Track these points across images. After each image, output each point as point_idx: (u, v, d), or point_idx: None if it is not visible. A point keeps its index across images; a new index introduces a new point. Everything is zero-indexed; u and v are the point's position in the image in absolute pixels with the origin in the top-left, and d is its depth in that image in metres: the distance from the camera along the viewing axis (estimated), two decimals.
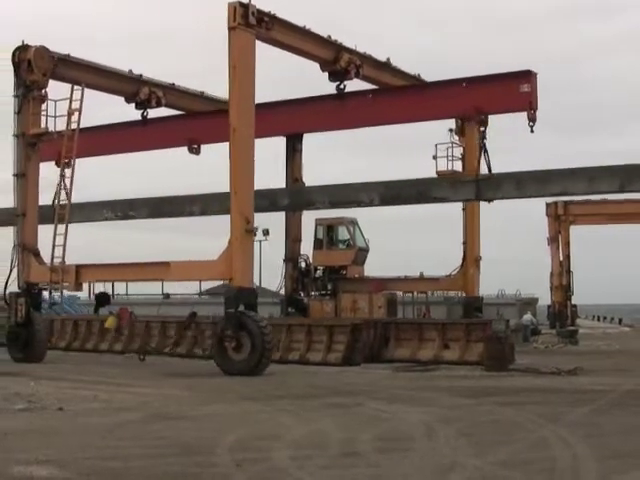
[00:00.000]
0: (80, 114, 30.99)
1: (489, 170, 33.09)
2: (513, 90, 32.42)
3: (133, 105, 37.50)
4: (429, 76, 37.31)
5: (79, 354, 35.34)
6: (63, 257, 30.32)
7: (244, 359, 26.21)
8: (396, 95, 36.62)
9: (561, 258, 62.50)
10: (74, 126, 30.99)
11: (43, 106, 31.83)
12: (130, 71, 36.12)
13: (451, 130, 38.33)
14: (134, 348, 33.76)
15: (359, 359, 29.57)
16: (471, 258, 39.06)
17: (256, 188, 28.45)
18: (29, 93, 31.46)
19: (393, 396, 20.26)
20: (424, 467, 11.95)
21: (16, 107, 31.75)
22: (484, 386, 22.93)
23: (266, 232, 61.53)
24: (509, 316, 42.08)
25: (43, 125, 31.68)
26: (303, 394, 21.01)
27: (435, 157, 37.54)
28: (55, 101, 31.62)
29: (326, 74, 33.82)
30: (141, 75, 36.52)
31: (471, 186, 33.04)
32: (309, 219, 41.83)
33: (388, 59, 36.07)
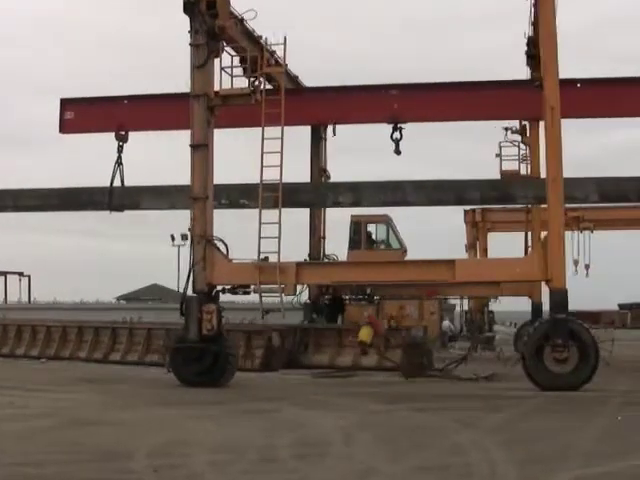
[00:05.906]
0: (283, 75, 26.40)
1: None
2: None
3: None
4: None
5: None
6: (278, 252, 24.26)
7: (569, 372, 23.11)
8: (607, 88, 31.61)
9: None
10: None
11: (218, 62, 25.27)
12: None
13: (506, 129, 37.52)
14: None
15: (277, 365, 29.54)
16: None
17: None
18: (215, 44, 24.81)
19: (311, 402, 20.31)
20: (340, 472, 12.02)
21: (195, 59, 24.62)
22: (401, 392, 23.08)
23: (185, 237, 61.06)
24: None
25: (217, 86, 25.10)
26: (221, 400, 20.95)
27: (499, 156, 36.94)
28: (232, 56, 25.51)
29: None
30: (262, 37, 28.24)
31: None
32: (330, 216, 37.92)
33: None
